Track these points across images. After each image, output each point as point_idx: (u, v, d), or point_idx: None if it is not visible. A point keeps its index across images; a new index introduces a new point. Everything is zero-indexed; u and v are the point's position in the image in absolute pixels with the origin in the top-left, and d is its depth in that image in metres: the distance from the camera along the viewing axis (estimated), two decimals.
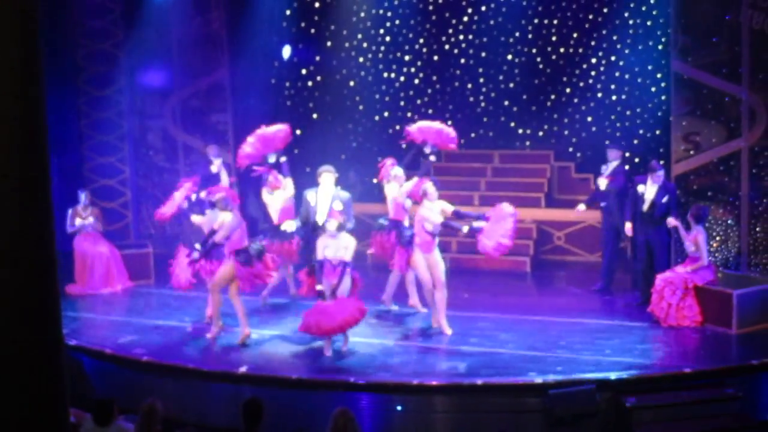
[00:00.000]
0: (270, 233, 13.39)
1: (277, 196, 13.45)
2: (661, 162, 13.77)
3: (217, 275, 12.29)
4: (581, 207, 14.58)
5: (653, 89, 16.52)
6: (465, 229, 12.09)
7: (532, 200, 16.55)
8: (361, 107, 17.89)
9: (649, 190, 13.14)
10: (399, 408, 10.69)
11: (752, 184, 13.94)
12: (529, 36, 17.28)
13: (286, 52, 17.63)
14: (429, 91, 18.01)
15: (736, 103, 13.96)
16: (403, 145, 13.57)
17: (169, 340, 12.55)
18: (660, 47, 16.22)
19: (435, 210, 12.17)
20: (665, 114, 15.60)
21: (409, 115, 17.73)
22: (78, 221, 14.90)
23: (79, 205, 14.96)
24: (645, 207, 13.19)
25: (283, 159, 13.39)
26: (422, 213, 12.19)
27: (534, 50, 17.28)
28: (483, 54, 17.68)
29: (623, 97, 16.88)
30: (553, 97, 17.39)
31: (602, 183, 14.20)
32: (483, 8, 17.30)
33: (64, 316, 5.74)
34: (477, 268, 15.41)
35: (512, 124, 17.38)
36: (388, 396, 10.78)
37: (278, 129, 13.40)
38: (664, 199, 12.95)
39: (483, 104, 17.64)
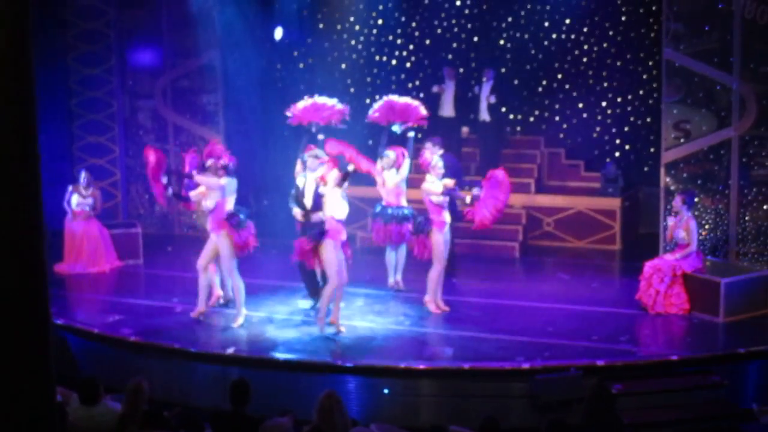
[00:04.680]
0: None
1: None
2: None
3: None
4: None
5: (644, 76, 16.56)
6: (468, 198, 12.30)
7: (522, 186, 16.55)
8: (352, 90, 17.83)
9: None
10: (386, 391, 10.70)
11: (741, 173, 13.97)
12: (521, 21, 17.26)
13: (278, 33, 17.56)
14: (420, 74, 17.98)
15: (727, 92, 13.97)
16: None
17: (156, 320, 12.55)
18: (652, 35, 16.23)
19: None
20: (656, 101, 15.63)
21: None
22: (76, 198, 14.87)
23: (80, 183, 14.94)
24: None
25: None
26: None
27: (526, 35, 17.26)
28: (475, 38, 17.66)
29: (614, 83, 16.89)
30: (544, 82, 17.38)
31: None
32: None
33: (52, 294, 5.72)
34: (466, 253, 15.40)
35: (503, 109, 17.35)
36: (375, 379, 10.81)
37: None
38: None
39: (474, 89, 17.62)
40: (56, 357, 5.72)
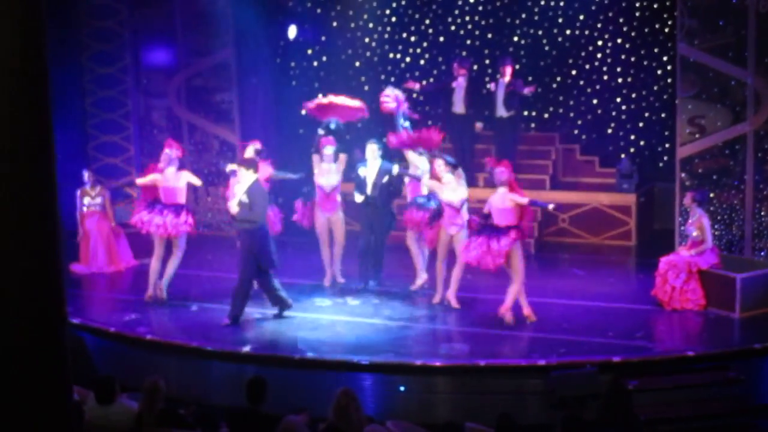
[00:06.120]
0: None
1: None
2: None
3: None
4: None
5: (659, 72, 16.50)
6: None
7: (537, 182, 16.53)
8: (366, 88, 17.80)
9: None
10: (402, 388, 10.71)
11: (757, 168, 13.93)
12: (535, 17, 17.23)
13: (292, 31, 17.55)
14: (434, 72, 17.96)
15: (742, 87, 13.92)
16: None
17: (172, 318, 12.59)
18: (666, 30, 16.19)
19: None
20: (671, 97, 15.59)
21: (414, 96, 17.69)
22: (87, 200, 14.91)
23: (86, 185, 14.98)
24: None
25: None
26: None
27: (540, 32, 17.23)
28: (489, 35, 17.65)
29: (629, 79, 16.85)
30: (558, 79, 17.35)
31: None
32: None
33: (68, 294, 5.75)
34: None
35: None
36: (391, 376, 10.81)
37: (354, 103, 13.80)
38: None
39: (488, 86, 17.60)
40: (73, 356, 5.75)
